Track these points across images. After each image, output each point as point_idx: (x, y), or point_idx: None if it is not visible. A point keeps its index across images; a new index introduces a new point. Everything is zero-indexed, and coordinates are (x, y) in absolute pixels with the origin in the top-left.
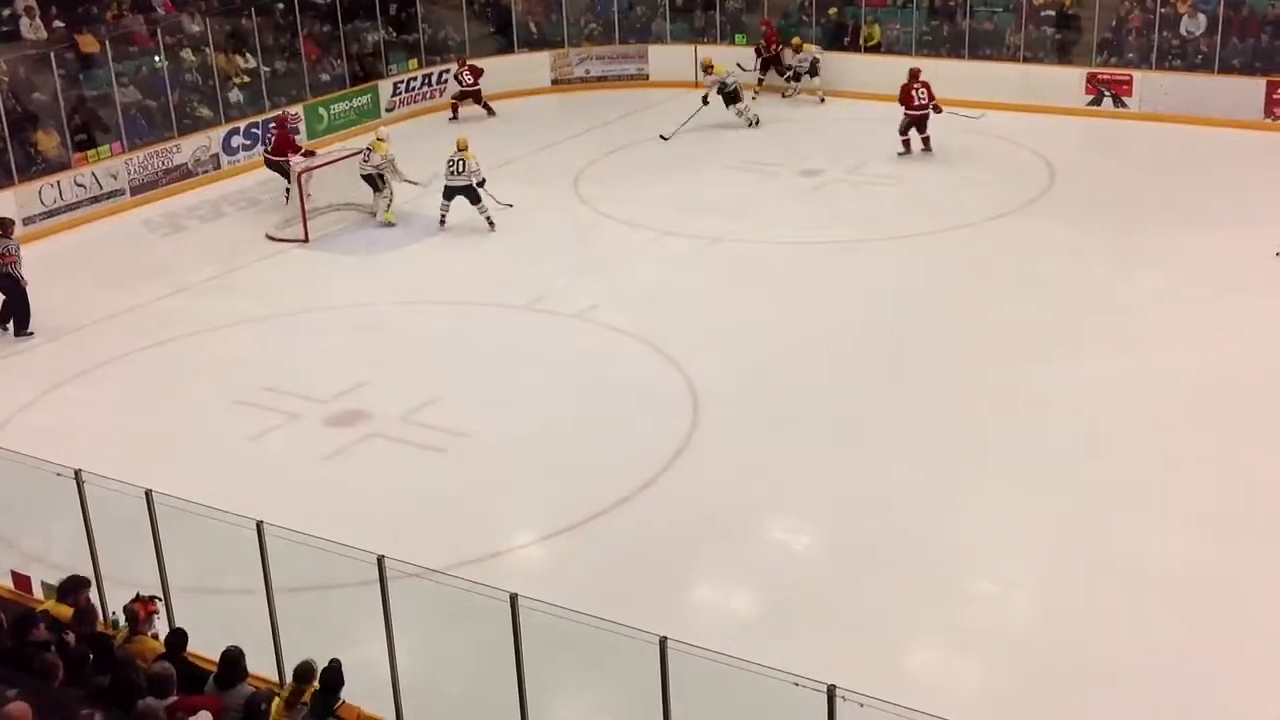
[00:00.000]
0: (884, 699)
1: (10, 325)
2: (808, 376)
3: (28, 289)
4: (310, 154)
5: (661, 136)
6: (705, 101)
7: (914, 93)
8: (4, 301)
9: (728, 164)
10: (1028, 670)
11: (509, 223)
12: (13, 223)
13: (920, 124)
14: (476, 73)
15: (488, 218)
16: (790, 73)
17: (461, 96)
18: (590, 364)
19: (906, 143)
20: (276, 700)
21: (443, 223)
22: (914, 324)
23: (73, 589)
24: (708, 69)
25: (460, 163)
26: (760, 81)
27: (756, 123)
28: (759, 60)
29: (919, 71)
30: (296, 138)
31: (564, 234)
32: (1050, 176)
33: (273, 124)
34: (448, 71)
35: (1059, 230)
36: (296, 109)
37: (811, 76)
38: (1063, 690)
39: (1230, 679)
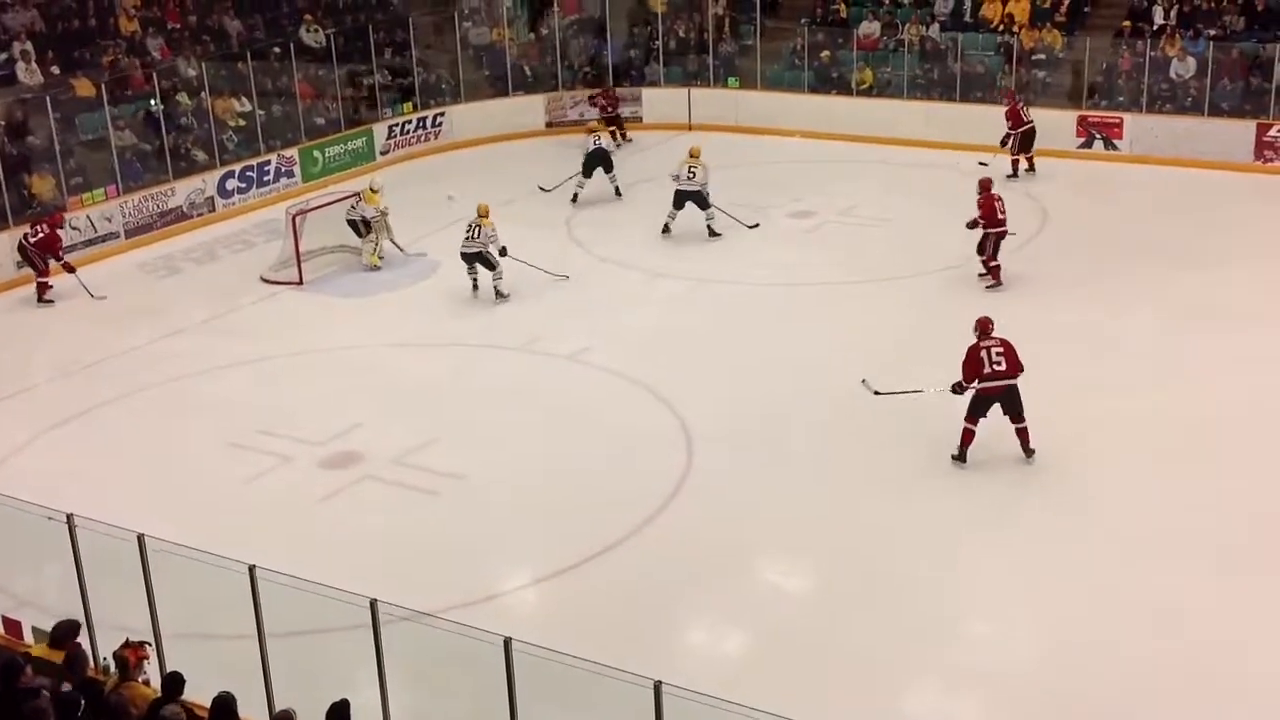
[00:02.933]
0: None
1: None
2: (800, 417)
3: None
4: (70, 269)
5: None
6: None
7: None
8: None
9: (720, 206)
10: (1023, 712)
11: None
12: None
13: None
14: (613, 100)
15: (497, 288)
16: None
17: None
18: (584, 406)
19: None
20: None
21: (475, 288)
22: (905, 366)
23: (69, 634)
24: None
25: (476, 229)
26: (1026, 159)
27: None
28: (1014, 136)
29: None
30: (62, 247)
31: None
32: (1042, 219)
33: (46, 221)
34: (442, 115)
35: (1051, 272)
36: (291, 152)
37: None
38: None
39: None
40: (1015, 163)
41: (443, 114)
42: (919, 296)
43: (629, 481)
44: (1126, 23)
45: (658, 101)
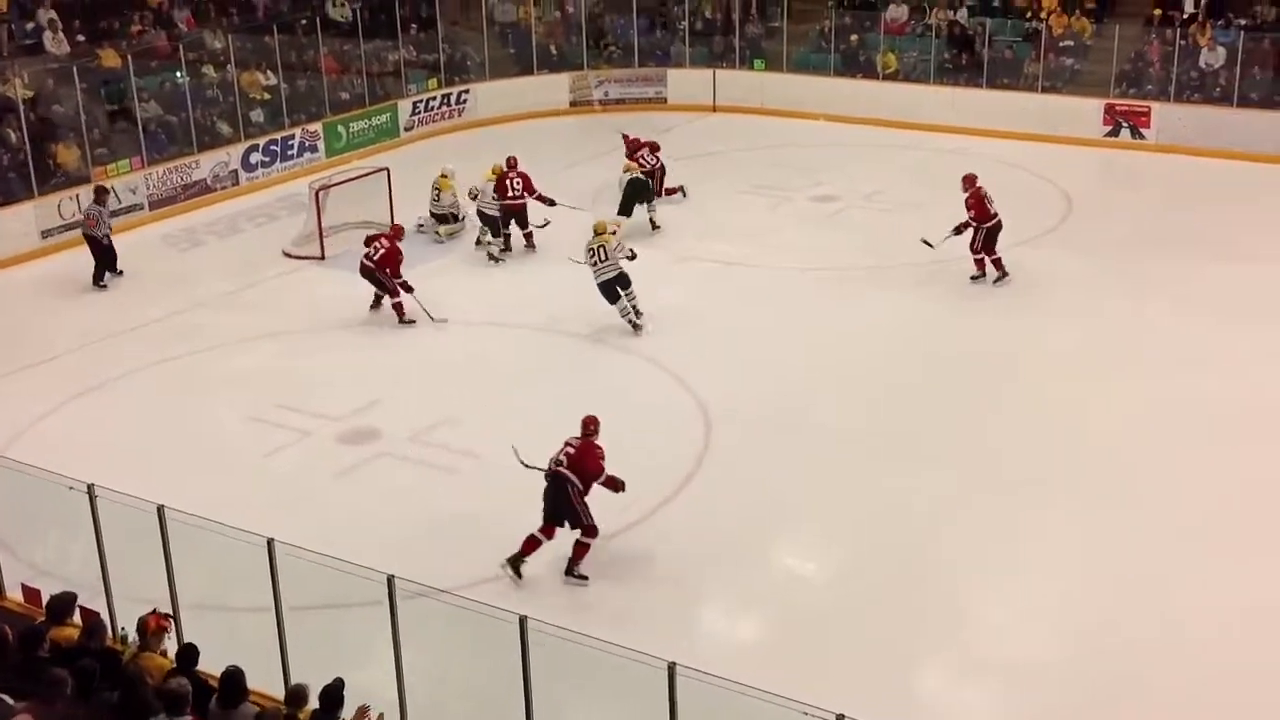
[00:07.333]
0: None
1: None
2: (819, 401)
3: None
4: (408, 289)
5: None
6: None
7: (509, 182)
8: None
9: (742, 189)
10: (1037, 698)
11: (523, 244)
12: (107, 191)
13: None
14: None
15: (636, 309)
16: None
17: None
18: (603, 386)
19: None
20: None
21: (637, 321)
22: (926, 351)
23: (65, 608)
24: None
25: (600, 250)
26: (993, 260)
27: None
28: (979, 232)
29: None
30: (402, 261)
31: (579, 255)
32: (1067, 207)
33: (385, 236)
34: (466, 92)
35: (1075, 261)
36: (316, 126)
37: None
38: (1073, 717)
39: (1249, 709)
40: (980, 263)
41: (467, 91)
42: (940, 283)
43: (647, 462)
44: (1157, 10)
45: (683, 82)
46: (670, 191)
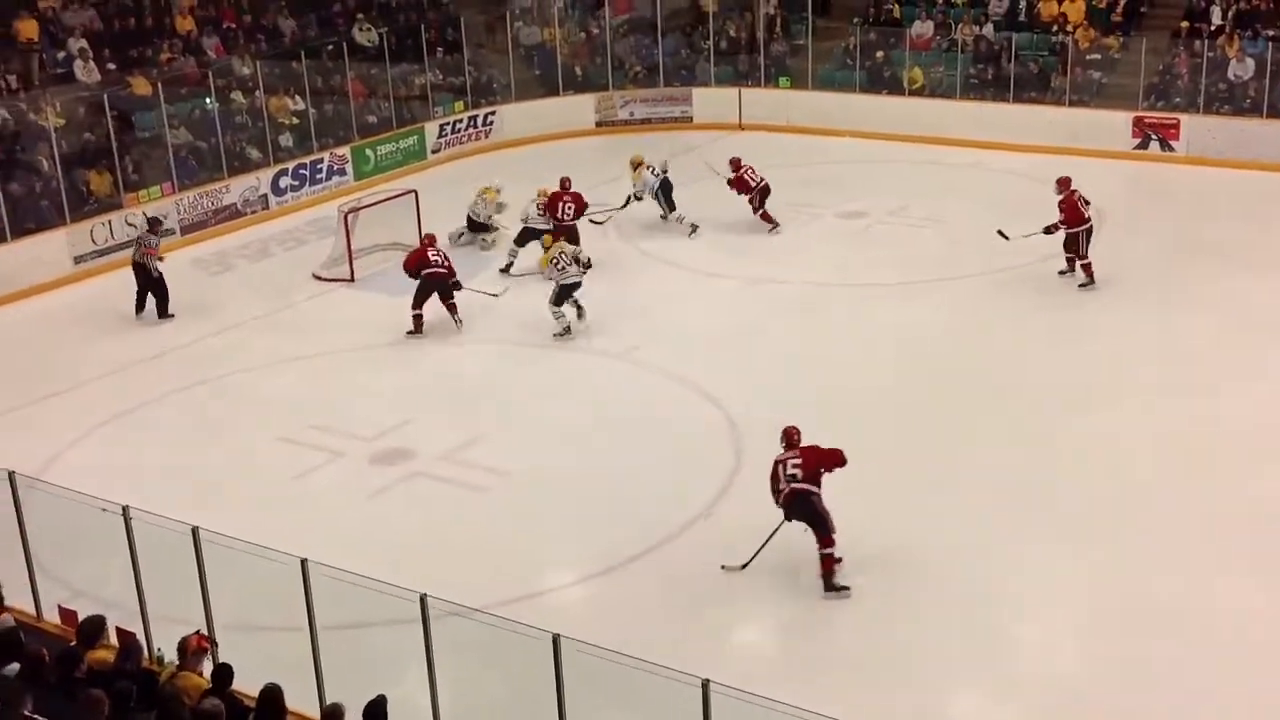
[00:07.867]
0: None
1: (144, 311)
2: (849, 417)
3: (162, 277)
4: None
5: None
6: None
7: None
8: (138, 291)
9: (769, 205)
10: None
11: None
12: (161, 221)
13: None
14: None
15: (578, 304)
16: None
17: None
18: (633, 404)
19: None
20: None
21: (569, 330)
22: (956, 368)
23: (96, 631)
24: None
25: (562, 255)
26: (1084, 266)
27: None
28: (1079, 237)
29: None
30: (431, 253)
31: (606, 274)
32: (1097, 220)
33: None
34: (493, 114)
35: (1106, 273)
36: (344, 150)
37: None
38: None
39: None
40: (1088, 268)
41: (494, 113)
42: (967, 297)
43: (678, 480)
44: (1184, 23)
45: (708, 101)
46: (769, 219)
